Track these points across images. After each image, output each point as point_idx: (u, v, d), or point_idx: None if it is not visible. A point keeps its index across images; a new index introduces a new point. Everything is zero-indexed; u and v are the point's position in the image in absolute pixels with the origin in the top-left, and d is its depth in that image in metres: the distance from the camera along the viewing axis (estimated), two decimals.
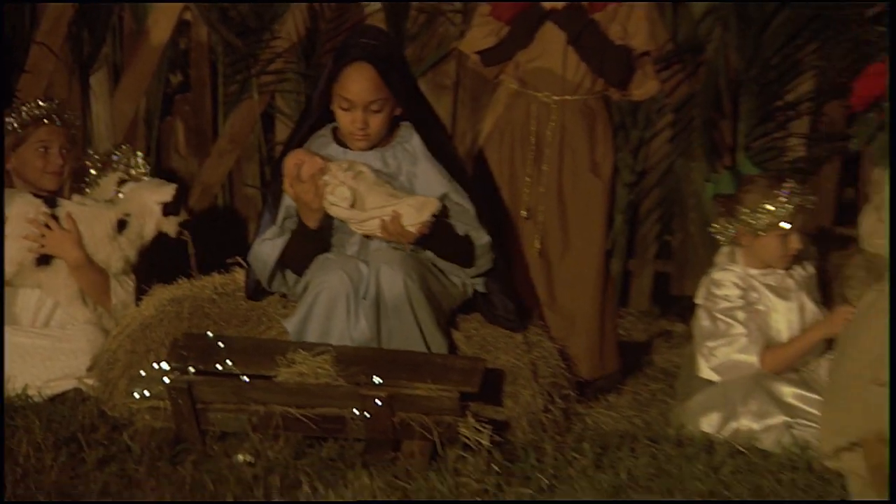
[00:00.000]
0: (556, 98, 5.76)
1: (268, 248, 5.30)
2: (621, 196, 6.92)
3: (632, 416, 5.64)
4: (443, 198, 5.23)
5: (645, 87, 5.87)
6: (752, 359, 5.37)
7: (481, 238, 5.28)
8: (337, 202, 5.10)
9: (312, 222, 5.21)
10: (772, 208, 5.36)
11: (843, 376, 3.64)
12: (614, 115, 6.16)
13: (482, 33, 5.79)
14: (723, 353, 5.42)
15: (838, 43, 6.80)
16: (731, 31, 6.81)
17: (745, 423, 5.29)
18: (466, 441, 4.90)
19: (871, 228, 6.14)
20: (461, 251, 5.27)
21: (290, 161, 5.19)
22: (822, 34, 6.82)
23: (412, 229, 5.08)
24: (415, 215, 5.08)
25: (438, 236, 5.16)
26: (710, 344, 5.44)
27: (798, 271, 5.56)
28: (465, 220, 5.28)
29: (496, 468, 4.82)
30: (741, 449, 5.11)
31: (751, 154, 6.77)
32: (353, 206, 5.10)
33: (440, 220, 5.16)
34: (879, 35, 6.72)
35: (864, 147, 6.03)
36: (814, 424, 5.13)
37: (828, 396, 3.72)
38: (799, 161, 6.95)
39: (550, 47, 5.73)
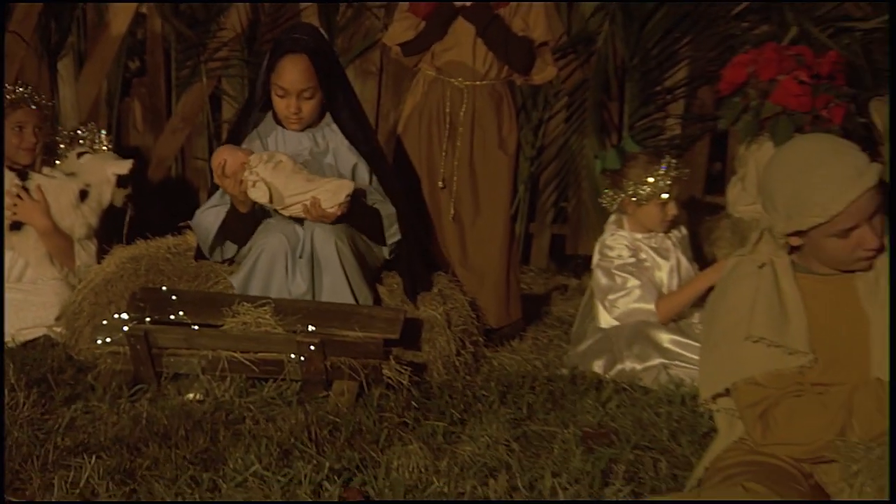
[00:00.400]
0: (467, 83, 5.77)
1: (210, 216, 5.29)
2: (524, 168, 6.93)
3: (532, 359, 5.65)
4: (354, 167, 5.23)
5: (544, 73, 5.88)
6: (649, 307, 5.41)
7: (387, 209, 5.29)
8: (256, 196, 5.09)
9: (243, 208, 5.22)
10: (652, 181, 5.41)
11: (715, 333, 3.64)
12: (518, 97, 6.17)
13: (402, 27, 5.79)
14: (623, 303, 5.46)
15: (708, 36, 6.84)
16: (617, 25, 6.83)
17: (629, 364, 5.33)
18: (389, 381, 4.92)
19: (736, 197, 6.21)
20: (372, 224, 5.29)
21: (216, 159, 5.18)
22: (695, 29, 6.86)
23: (331, 210, 5.08)
24: (332, 198, 5.07)
25: (353, 213, 5.17)
26: (611, 297, 5.48)
27: (675, 234, 5.61)
28: (375, 196, 5.30)
29: (415, 404, 4.85)
30: (625, 386, 5.15)
31: (634, 132, 6.81)
32: (270, 199, 5.09)
33: (355, 199, 5.16)
34: (743, 30, 6.78)
35: (730, 126, 6.08)
36: (686, 365, 5.21)
37: (703, 351, 3.72)
38: (675, 138, 7.00)
39: (462, 39, 5.74)
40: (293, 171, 5.10)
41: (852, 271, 3.55)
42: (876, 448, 3.30)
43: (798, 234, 3.50)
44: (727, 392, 3.61)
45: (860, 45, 6.59)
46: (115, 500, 3.73)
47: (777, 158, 3.59)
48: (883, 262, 3.53)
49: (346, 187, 5.09)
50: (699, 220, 6.29)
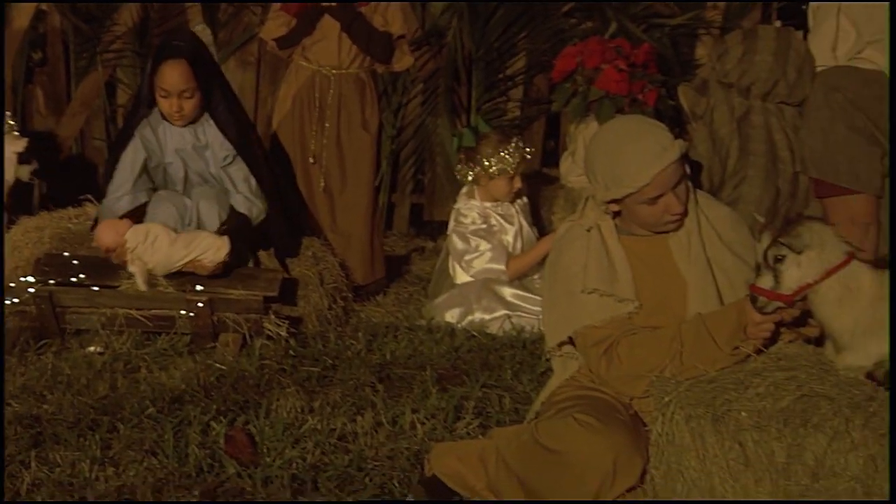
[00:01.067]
0: (334, 72, 5.74)
1: (124, 204, 5.12)
2: (385, 146, 6.90)
3: (395, 311, 5.65)
4: (226, 159, 5.14)
5: (402, 62, 5.88)
6: (500, 266, 5.44)
7: (254, 207, 5.19)
8: (139, 274, 4.91)
9: None
10: (503, 157, 5.44)
11: (556, 289, 3.66)
12: (379, 84, 6.14)
13: (276, 24, 5.75)
14: (477, 263, 5.47)
15: (542, 31, 6.87)
16: (464, 21, 6.83)
17: (478, 315, 5.36)
18: (269, 333, 4.88)
19: (568, 169, 6.26)
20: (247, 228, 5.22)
21: (98, 241, 4.97)
22: (531, 24, 6.88)
23: (212, 266, 4.94)
24: (213, 256, 4.90)
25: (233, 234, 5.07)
26: (467, 258, 5.50)
27: (519, 203, 5.64)
28: (243, 185, 5.19)
29: (292, 352, 4.82)
30: (475, 334, 5.17)
31: (481, 114, 6.82)
32: (146, 280, 4.91)
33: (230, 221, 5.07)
34: (572, 25, 6.82)
35: (561, 108, 6.11)
36: (527, 315, 5.25)
37: (546, 306, 3.73)
38: (515, 119, 7.03)
39: (329, 34, 5.71)
40: (170, 243, 4.90)
41: (665, 232, 3.60)
42: (684, 382, 3.36)
43: (615, 201, 3.54)
44: (568, 340, 3.64)
45: (668, 38, 6.69)
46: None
47: (596, 137, 3.63)
48: (692, 222, 3.59)
49: (224, 246, 4.94)
50: (537, 191, 6.34)
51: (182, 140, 5.13)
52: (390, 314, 5.61)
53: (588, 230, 3.63)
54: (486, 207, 5.56)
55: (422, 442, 4.01)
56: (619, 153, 3.48)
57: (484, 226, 5.52)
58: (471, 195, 5.60)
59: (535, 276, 5.48)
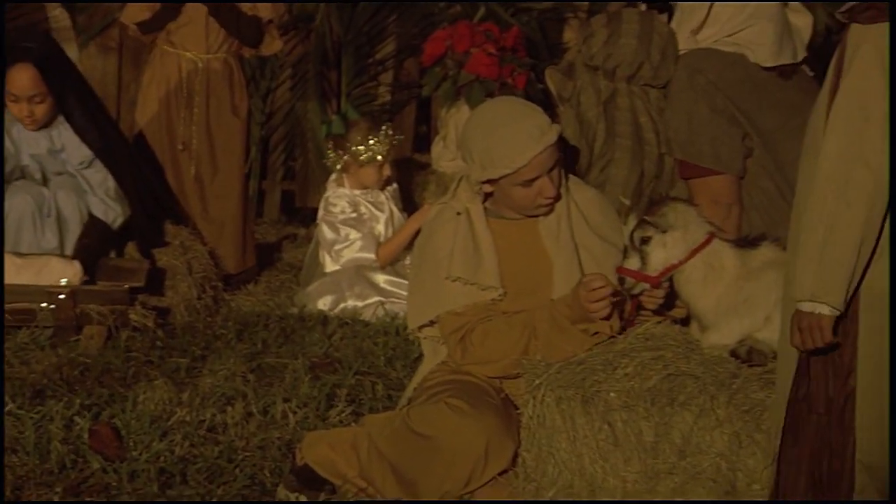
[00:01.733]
0: (201, 56, 5.65)
1: None
2: (255, 132, 6.80)
3: (266, 300, 5.58)
4: (82, 164, 5.02)
5: (271, 46, 5.83)
6: (371, 255, 5.42)
7: (110, 212, 5.08)
8: None
9: None
10: (371, 145, 5.43)
11: (422, 273, 3.67)
12: (247, 69, 6.06)
13: (139, 7, 5.62)
14: (347, 252, 5.44)
15: (411, 15, 6.86)
16: (332, 5, 6.78)
17: (351, 302, 5.33)
18: (136, 324, 4.79)
19: (439, 154, 6.26)
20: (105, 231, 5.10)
21: None
22: (400, 8, 6.87)
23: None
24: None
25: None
26: (337, 248, 5.46)
27: (389, 189, 5.63)
28: (101, 189, 5.06)
29: (160, 343, 4.73)
30: (348, 321, 5.15)
31: (351, 99, 6.79)
32: None
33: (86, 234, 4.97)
34: (441, 9, 6.83)
35: (432, 93, 6.10)
36: (400, 301, 5.24)
37: (411, 288, 3.75)
38: (386, 104, 7.01)
39: (195, 17, 5.61)
40: (16, 272, 4.73)
41: (536, 216, 3.62)
42: (554, 364, 3.39)
43: (490, 182, 3.55)
44: (432, 323, 3.65)
45: (537, 22, 6.74)
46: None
47: (473, 118, 3.64)
48: (562, 207, 3.61)
49: (77, 273, 4.78)
50: (409, 176, 6.34)
51: (37, 144, 4.99)
52: (261, 303, 5.53)
53: (458, 214, 3.63)
54: (355, 195, 5.53)
55: (293, 431, 3.98)
56: (498, 134, 3.49)
57: (354, 214, 5.49)
58: (340, 183, 5.57)
59: (408, 262, 5.47)
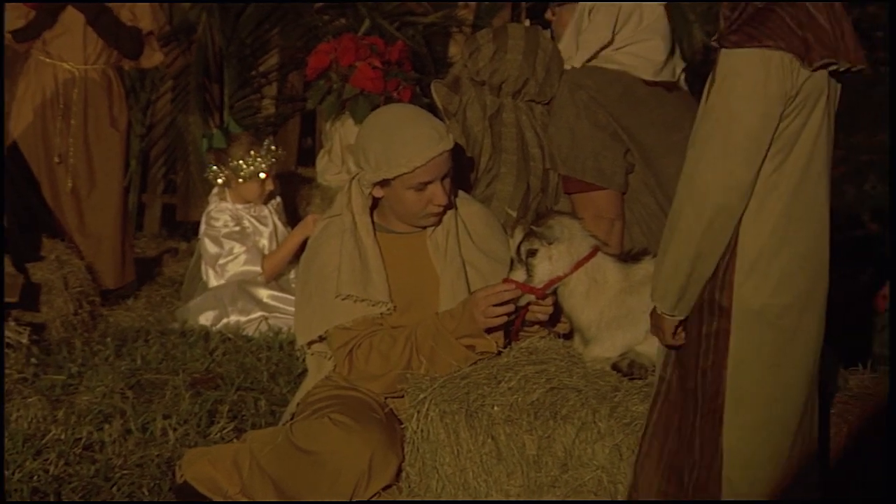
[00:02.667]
0: (78, 67, 5.57)
1: None
2: (134, 145, 6.73)
3: (146, 315, 5.53)
4: None
5: (152, 58, 5.77)
6: (256, 268, 5.38)
7: None
8: None
9: None
10: (253, 160, 5.39)
11: (309, 288, 3.65)
12: (126, 80, 5.99)
13: (13, 16, 5.52)
14: (232, 267, 5.40)
15: (295, 28, 6.85)
16: (214, 17, 6.74)
17: (234, 317, 5.28)
18: (9, 341, 4.67)
19: (324, 167, 6.25)
20: None
21: None
22: (283, 21, 6.86)
23: None
24: None
25: None
26: (221, 262, 5.41)
27: (272, 203, 5.60)
28: None
29: (34, 360, 4.63)
30: (230, 336, 5.11)
31: (234, 112, 6.75)
32: None
33: None
34: (325, 22, 6.83)
35: (317, 106, 6.09)
36: (284, 316, 5.21)
37: (298, 303, 3.72)
38: (270, 117, 6.98)
39: (72, 27, 5.53)
40: None
41: (424, 228, 3.63)
42: (438, 379, 3.40)
43: (382, 184, 3.54)
44: (321, 338, 3.64)
45: (422, 36, 6.78)
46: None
47: (372, 119, 3.65)
48: (450, 221, 3.63)
49: None
50: (294, 190, 6.31)
51: None
52: (141, 318, 5.47)
53: (344, 231, 3.62)
54: (238, 209, 5.49)
55: (174, 448, 3.93)
56: (397, 134, 3.51)
57: (237, 228, 5.45)
58: (222, 197, 5.52)
59: (292, 276, 5.44)
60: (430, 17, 6.82)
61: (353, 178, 3.67)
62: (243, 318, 5.29)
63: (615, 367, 3.38)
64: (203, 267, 5.49)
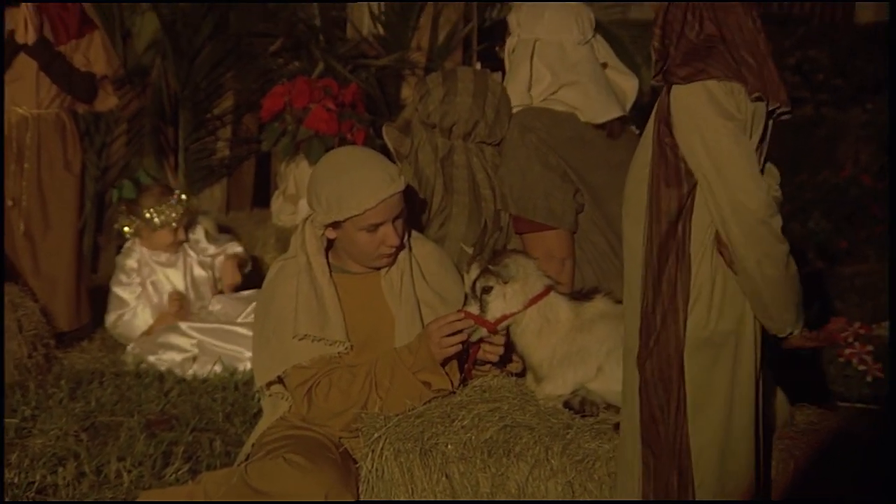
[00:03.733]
0: (32, 111, 5.55)
1: None
2: (90, 187, 6.68)
3: (101, 357, 5.49)
4: None
5: (106, 102, 5.76)
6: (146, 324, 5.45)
7: None
8: None
9: None
10: (163, 211, 5.43)
11: (266, 330, 3.64)
12: (80, 123, 5.96)
13: None
14: (124, 325, 5.51)
15: (250, 71, 6.86)
16: (168, 60, 6.73)
17: (167, 355, 5.27)
18: None
19: (279, 208, 6.25)
20: None
21: None
22: (238, 64, 6.87)
23: None
24: None
25: None
26: (126, 317, 5.49)
27: (192, 246, 5.60)
28: None
29: None
30: (185, 378, 5.09)
31: (189, 154, 6.75)
32: None
33: None
34: (279, 65, 6.85)
35: (271, 148, 6.10)
36: (233, 353, 5.20)
37: (256, 345, 3.70)
38: (225, 159, 6.98)
39: (25, 73, 5.51)
40: None
41: (378, 269, 3.64)
42: (393, 417, 3.40)
43: (334, 226, 3.55)
44: (278, 379, 3.62)
45: (375, 78, 6.81)
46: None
47: (324, 161, 3.66)
48: (404, 261, 3.65)
49: None
50: (250, 230, 6.31)
51: None
52: (96, 360, 5.43)
53: (298, 273, 3.62)
54: (148, 257, 5.51)
55: (128, 490, 3.92)
56: (349, 176, 3.52)
57: (137, 278, 5.50)
58: (134, 245, 5.57)
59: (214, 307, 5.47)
60: (383, 59, 6.86)
61: (305, 219, 3.67)
62: (178, 357, 5.27)
63: (567, 404, 3.40)
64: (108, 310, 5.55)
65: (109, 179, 6.94)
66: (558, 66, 4.03)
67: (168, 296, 5.50)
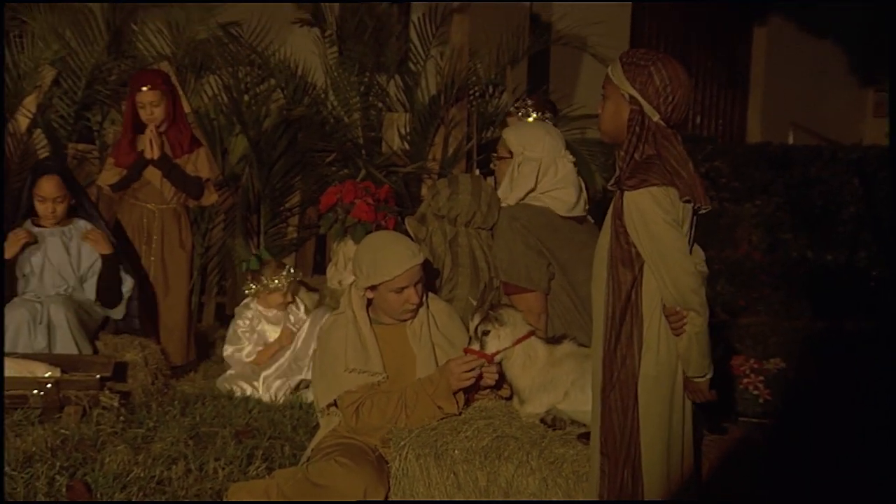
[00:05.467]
0: (158, 206, 5.56)
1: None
2: (196, 260, 6.68)
3: (203, 385, 5.41)
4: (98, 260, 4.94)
5: (209, 198, 5.77)
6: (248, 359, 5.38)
7: (126, 285, 5.02)
8: None
9: None
10: (277, 281, 5.42)
11: (324, 364, 3.62)
12: (191, 214, 5.97)
13: (110, 174, 5.54)
14: (238, 356, 5.40)
15: (312, 175, 6.86)
16: (253, 168, 6.75)
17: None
18: (104, 404, 4.60)
19: (331, 275, 6.20)
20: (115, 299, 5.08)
21: None
22: (304, 171, 6.85)
23: None
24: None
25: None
26: (234, 353, 5.40)
27: (292, 313, 5.56)
28: (116, 273, 5.00)
29: (122, 419, 4.55)
30: (263, 399, 5.04)
31: (267, 237, 6.75)
32: None
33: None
34: (333, 172, 6.86)
35: (327, 231, 6.10)
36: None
37: (316, 376, 3.68)
38: (293, 239, 6.95)
39: (153, 178, 5.54)
40: None
41: (404, 321, 3.63)
42: (415, 430, 3.37)
43: (372, 288, 3.55)
44: (333, 402, 3.60)
45: (402, 181, 6.83)
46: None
47: (365, 242, 3.70)
48: (423, 314, 3.63)
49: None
50: (321, 294, 6.29)
51: (55, 249, 4.92)
52: (200, 386, 5.37)
53: (347, 324, 3.61)
54: (260, 312, 5.48)
55: (222, 483, 3.87)
56: (382, 252, 3.55)
57: (249, 326, 5.46)
58: (251, 302, 5.54)
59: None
60: (408, 167, 6.88)
61: (351, 284, 3.69)
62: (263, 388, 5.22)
63: (543, 421, 3.38)
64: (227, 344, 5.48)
65: (210, 255, 6.94)
66: (551, 179, 4.01)
67: (282, 331, 5.44)
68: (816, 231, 8.40)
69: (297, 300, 5.64)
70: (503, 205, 4.06)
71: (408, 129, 6.93)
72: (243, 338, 5.47)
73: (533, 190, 4.00)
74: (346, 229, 5.92)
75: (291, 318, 5.54)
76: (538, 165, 3.98)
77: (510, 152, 4.05)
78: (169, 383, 5.31)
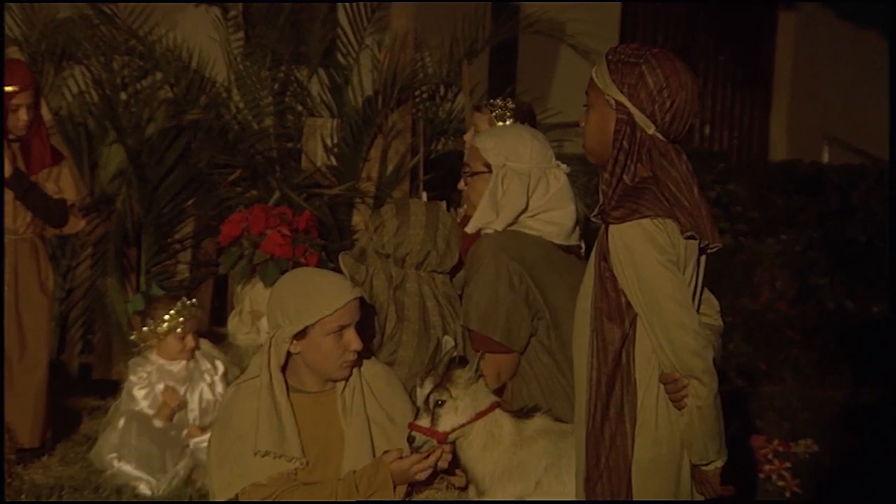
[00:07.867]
0: (11, 237, 5.52)
1: None
2: (54, 308, 6.65)
3: (60, 472, 5.36)
4: None
5: (74, 226, 5.76)
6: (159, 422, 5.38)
7: None
8: None
9: None
10: (170, 317, 5.44)
11: (224, 447, 3.60)
12: (48, 247, 5.95)
13: None
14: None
15: (209, 198, 6.90)
16: (133, 188, 6.77)
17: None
18: None
19: (235, 327, 6.24)
20: None
21: None
22: (199, 192, 6.91)
23: None
24: None
25: None
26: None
27: (199, 354, 5.62)
28: None
29: None
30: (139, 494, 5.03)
31: (151, 276, 6.75)
32: None
33: None
34: (238, 194, 6.90)
35: (229, 271, 6.13)
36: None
37: (214, 463, 3.63)
38: (185, 280, 6.98)
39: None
40: None
41: (336, 381, 3.66)
42: None
43: (301, 335, 3.57)
44: (236, 496, 3.58)
45: (327, 206, 6.87)
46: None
47: (286, 279, 3.72)
48: (356, 380, 3.68)
49: None
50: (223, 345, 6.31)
51: None
52: (56, 475, 5.31)
53: (259, 391, 3.62)
54: (160, 364, 5.50)
55: None
56: (313, 284, 3.60)
57: (157, 385, 5.46)
58: (148, 354, 5.55)
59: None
60: (335, 189, 6.93)
61: (270, 338, 3.66)
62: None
63: None
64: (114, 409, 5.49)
65: (73, 300, 6.91)
66: (542, 196, 3.99)
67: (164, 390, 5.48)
68: (858, 275, 8.47)
69: (202, 345, 5.65)
70: (487, 231, 4.02)
71: (335, 140, 6.99)
72: (139, 399, 5.44)
73: (524, 211, 3.97)
74: (254, 268, 5.95)
75: (207, 376, 5.55)
76: (527, 179, 3.95)
77: (487, 165, 4.00)
78: (14, 472, 5.24)
